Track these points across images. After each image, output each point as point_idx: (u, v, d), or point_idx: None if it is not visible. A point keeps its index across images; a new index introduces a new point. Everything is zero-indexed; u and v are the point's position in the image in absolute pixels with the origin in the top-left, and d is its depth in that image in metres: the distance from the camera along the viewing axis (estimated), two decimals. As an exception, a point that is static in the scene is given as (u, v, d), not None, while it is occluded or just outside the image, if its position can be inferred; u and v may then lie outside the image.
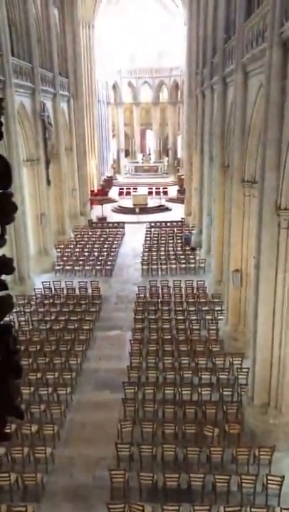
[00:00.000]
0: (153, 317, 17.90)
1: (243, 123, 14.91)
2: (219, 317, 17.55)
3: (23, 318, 17.79)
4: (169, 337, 16.12)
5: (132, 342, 15.73)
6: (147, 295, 20.00)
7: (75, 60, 31.98)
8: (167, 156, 57.62)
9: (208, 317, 17.73)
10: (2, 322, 1.59)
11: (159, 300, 19.56)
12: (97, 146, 44.62)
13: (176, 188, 45.28)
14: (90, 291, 20.51)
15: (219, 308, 18.14)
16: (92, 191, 40.48)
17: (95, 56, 42.77)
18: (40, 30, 25.26)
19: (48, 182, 24.72)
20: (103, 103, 50.20)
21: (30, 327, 17.28)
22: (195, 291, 20.16)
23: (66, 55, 30.58)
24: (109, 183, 48.71)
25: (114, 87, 56.37)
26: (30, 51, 22.39)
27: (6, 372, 1.58)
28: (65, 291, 20.50)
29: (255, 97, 13.66)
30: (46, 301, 19.55)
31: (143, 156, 57.27)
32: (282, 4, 10.07)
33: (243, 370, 13.39)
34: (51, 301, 19.69)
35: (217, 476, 9.76)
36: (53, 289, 20.70)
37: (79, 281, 21.28)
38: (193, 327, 16.79)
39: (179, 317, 17.72)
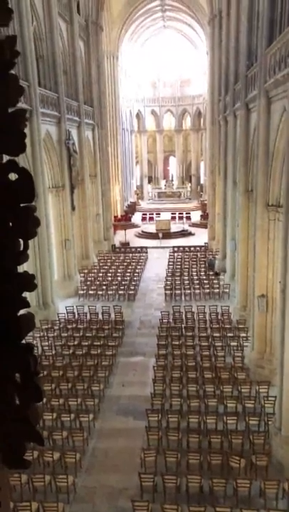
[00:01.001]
0: (177, 343, 17.63)
1: (266, 147, 14.89)
2: (245, 344, 17.16)
3: (47, 343, 17.78)
4: (193, 364, 15.81)
5: (155, 368, 15.48)
6: (171, 320, 19.79)
7: (99, 90, 32.79)
8: (190, 181, 57.97)
9: (233, 343, 17.36)
10: (23, 342, 1.53)
11: (183, 326, 19.31)
12: (121, 172, 45.30)
13: (199, 213, 45.33)
14: (112, 316, 20.43)
15: (244, 334, 17.76)
16: (115, 217, 40.89)
17: (119, 85, 43.85)
18: (66, 62, 26.09)
19: (73, 208, 25.08)
20: (127, 131, 51.15)
21: (53, 352, 17.23)
22: (219, 317, 19.85)
23: (91, 85, 31.39)
24: (132, 208, 49.15)
25: (138, 115, 57.48)
26: (56, 82, 23.07)
27: (25, 394, 1.52)
28: (88, 316, 20.48)
29: (278, 122, 13.66)
30: (69, 326, 19.54)
31: (166, 182, 57.79)
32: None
33: (270, 398, 12.96)
34: (74, 326, 19.67)
35: (244, 510, 9.34)
36: (76, 313, 20.71)
37: (102, 306, 21.25)
38: (218, 354, 16.45)
39: (203, 343, 17.42)
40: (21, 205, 1.43)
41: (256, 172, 15.70)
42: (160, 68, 56.45)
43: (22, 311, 1.51)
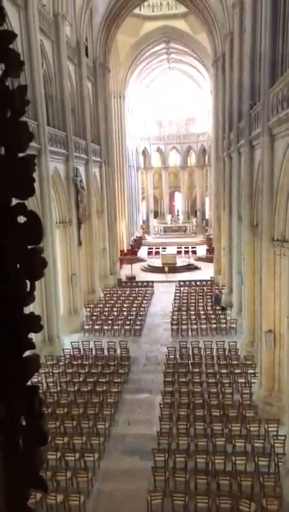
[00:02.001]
0: (183, 380, 17.33)
1: (271, 183, 15.08)
2: (252, 380, 16.83)
3: (51, 380, 17.53)
4: (201, 401, 15.48)
5: (161, 406, 15.16)
6: (177, 356, 19.51)
7: (106, 129, 33.63)
8: (195, 216, 58.46)
9: (240, 380, 17.03)
10: (28, 383, 1.52)
11: (190, 362, 19.02)
12: (128, 207, 45.87)
13: (205, 247, 45.48)
14: (118, 351, 20.20)
15: (252, 370, 17.44)
16: (122, 251, 41.11)
17: (125, 124, 44.98)
18: (74, 102, 26.89)
19: (80, 243, 25.28)
20: (133, 168, 52.10)
21: (58, 388, 16.98)
22: (227, 353, 19.56)
23: (98, 124, 32.22)
24: (138, 243, 49.45)
25: (144, 152, 58.66)
26: (64, 121, 23.72)
27: (29, 438, 1.50)
28: (93, 352, 20.27)
29: (282, 158, 13.89)
30: (75, 362, 19.31)
31: (172, 216, 58.34)
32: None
33: (280, 438, 12.60)
34: (80, 361, 19.44)
35: None
36: (81, 349, 20.50)
37: (108, 342, 21.04)
38: (226, 391, 16.12)
39: (210, 380, 17.10)
40: (29, 247, 1.45)
41: (261, 207, 15.85)
42: (165, 107, 58.04)
43: (28, 352, 1.52)
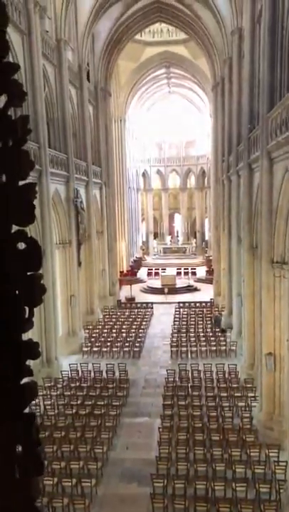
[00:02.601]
0: (183, 403, 17.11)
1: (270, 205, 15.17)
2: (253, 404, 16.61)
3: (49, 402, 17.32)
4: (200, 425, 15.25)
5: (160, 430, 14.93)
6: (176, 379, 19.31)
7: (107, 151, 34.01)
8: (195, 237, 58.64)
9: (240, 404, 16.81)
10: (26, 411, 1.51)
11: (189, 385, 18.81)
12: (127, 228, 46.05)
13: (205, 268, 45.48)
14: (117, 374, 19.99)
15: (252, 394, 17.24)
16: (121, 272, 41.07)
17: (125, 147, 45.53)
18: (75, 125, 27.28)
19: (79, 264, 25.29)
20: (133, 189, 52.52)
21: (56, 411, 16.75)
22: (226, 376, 19.37)
23: (99, 146, 32.61)
24: (138, 263, 49.47)
25: (144, 174, 59.22)
26: (66, 143, 24.01)
27: (26, 467, 1.48)
28: (92, 374, 20.06)
29: (281, 181, 14.02)
30: (73, 385, 19.10)
31: (171, 238, 58.53)
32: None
33: (281, 463, 12.37)
34: (78, 384, 19.23)
35: None
36: (80, 371, 20.30)
37: (106, 364, 20.84)
38: (226, 414, 15.90)
39: (210, 403, 16.89)
40: (28, 273, 1.46)
41: (260, 229, 15.91)
42: (165, 130, 58.84)
43: (25, 380, 1.50)
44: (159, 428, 15.14)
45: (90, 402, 17.29)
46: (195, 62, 41.17)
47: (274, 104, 15.06)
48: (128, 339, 24.91)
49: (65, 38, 23.75)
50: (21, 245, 1.48)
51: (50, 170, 20.56)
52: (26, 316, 1.48)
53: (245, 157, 19.66)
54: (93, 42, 31.37)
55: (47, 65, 22.04)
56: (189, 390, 18.29)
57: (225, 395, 17.54)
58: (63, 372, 19.88)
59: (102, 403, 17.20)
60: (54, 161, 21.95)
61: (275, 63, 15.44)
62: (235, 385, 18.41)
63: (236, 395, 17.50)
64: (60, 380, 19.30)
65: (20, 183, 1.42)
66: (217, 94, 31.93)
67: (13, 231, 1.44)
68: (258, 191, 16.81)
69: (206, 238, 55.76)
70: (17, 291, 1.46)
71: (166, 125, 58.38)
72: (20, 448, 1.52)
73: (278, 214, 14.56)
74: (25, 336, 1.55)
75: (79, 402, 17.41)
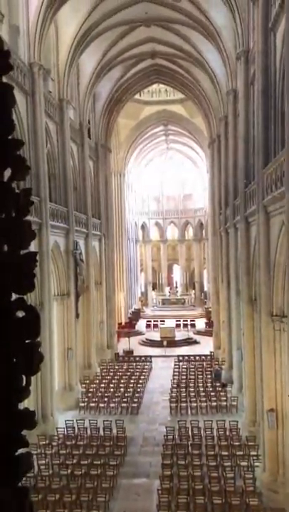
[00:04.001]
0: (183, 462, 16.42)
1: (267, 258, 15.29)
2: (256, 463, 15.96)
3: (43, 462, 16.60)
4: (201, 487, 14.55)
5: (159, 492, 14.23)
6: (176, 437, 18.63)
7: (106, 204, 34.69)
8: (194, 289, 58.54)
9: (243, 463, 16.14)
10: (19, 484, 1.45)
11: (189, 443, 18.13)
12: (126, 279, 46.08)
13: (204, 320, 45.07)
14: (114, 431, 19.30)
15: (255, 452, 16.59)
16: (119, 324, 40.64)
17: (125, 199, 46.49)
18: (76, 180, 27.98)
19: (77, 315, 25.08)
20: (132, 241, 53.05)
21: (50, 472, 16.01)
22: (228, 433, 18.71)
23: (99, 199, 33.28)
24: (136, 315, 49.05)
25: (143, 226, 60.05)
26: (66, 197, 24.52)
27: None
28: (88, 431, 19.37)
29: (278, 234, 14.20)
30: (68, 443, 18.38)
31: (170, 289, 58.41)
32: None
33: (287, 530, 11.70)
34: (74, 442, 18.51)
35: None
36: (76, 428, 19.61)
37: (104, 420, 20.17)
38: (228, 475, 15.21)
39: (211, 463, 16.20)
40: (26, 341, 1.46)
41: (259, 282, 15.93)
42: (164, 184, 60.35)
43: (20, 451, 1.46)
44: (158, 490, 14.44)
45: (86, 462, 16.59)
46: (192, 120, 42.84)
47: (269, 161, 15.53)
48: (126, 394, 24.27)
49: (67, 97, 24.82)
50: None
51: (50, 222, 20.85)
52: (23, 384, 1.47)
53: (241, 210, 20.02)
54: (94, 101, 32.78)
55: (49, 123, 22.89)
56: (189, 448, 17.61)
57: (226, 453, 16.88)
58: (59, 430, 19.20)
59: (99, 462, 16.51)
60: (54, 213, 22.32)
61: (268, 122, 16.07)
62: (236, 443, 17.75)
63: (238, 453, 16.85)
64: (56, 437, 18.61)
65: (22, 252, 1.45)
66: (213, 151, 32.99)
67: (12, 299, 1.46)
68: (256, 244, 16.99)
69: (205, 289, 55.67)
70: (15, 359, 1.45)
71: (164, 179, 59.96)
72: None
73: (276, 267, 14.64)
74: (21, 404, 1.52)
75: (75, 461, 16.70)
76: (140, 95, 42.48)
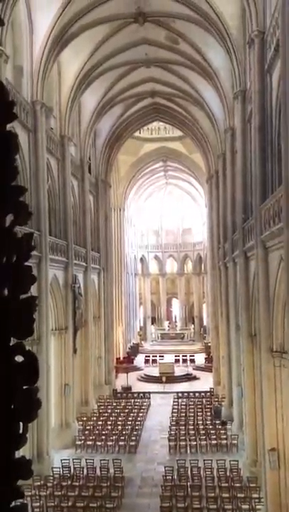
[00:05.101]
0: (182, 505, 15.84)
1: (267, 293, 15.24)
2: (258, 507, 15.40)
3: (37, 504, 16.01)
4: (201, 532, 14.00)
5: (158, 537, 13.68)
6: (175, 477, 18.04)
7: (106, 238, 34.89)
8: (193, 323, 58.13)
9: (244, 506, 15.57)
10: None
11: (189, 484, 17.54)
12: (125, 313, 45.78)
13: (204, 355, 44.50)
14: (112, 471, 18.71)
15: (256, 495, 16.02)
16: (117, 359, 40.08)
17: (124, 233, 46.79)
18: (76, 214, 28.22)
19: (75, 351, 24.76)
20: (131, 274, 53.04)
21: (45, 515, 15.44)
22: (228, 473, 18.13)
23: (98, 233, 33.49)
24: (135, 350, 48.46)
25: (142, 260, 60.21)
26: (66, 231, 24.67)
27: None
28: (85, 471, 18.76)
29: (277, 269, 14.21)
30: (64, 483, 17.76)
31: (169, 323, 57.99)
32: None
33: None
34: (70, 482, 17.90)
35: None
36: (72, 468, 19.00)
37: (100, 460, 19.54)
38: (229, 519, 14.67)
39: (211, 506, 15.62)
40: (25, 387, 1.43)
41: (258, 317, 15.83)
42: (163, 218, 60.97)
43: (16, 502, 1.41)
44: (156, 535, 13.88)
45: (81, 504, 16.00)
46: (190, 156, 43.66)
47: (266, 196, 15.73)
48: (124, 432, 23.66)
49: (68, 134, 25.37)
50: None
51: (49, 256, 20.90)
52: (20, 431, 1.43)
53: (240, 245, 20.11)
54: (95, 138, 33.49)
55: (50, 159, 23.30)
56: (189, 489, 17.02)
57: (227, 495, 16.30)
58: (54, 469, 18.60)
59: (96, 505, 15.93)
60: (54, 247, 22.40)
61: (265, 159, 16.38)
62: (237, 485, 17.17)
63: (239, 495, 16.28)
64: (51, 478, 18.00)
65: (22, 296, 1.45)
66: (212, 186, 33.46)
67: (11, 344, 1.45)
68: (255, 279, 16.98)
69: (205, 324, 55.25)
70: (12, 406, 1.42)
71: (163, 213, 60.60)
72: None
73: (275, 302, 14.58)
74: (17, 452, 1.49)
75: (70, 503, 16.11)
76: (140, 132, 43.44)
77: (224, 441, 22.20)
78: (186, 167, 46.60)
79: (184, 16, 22.22)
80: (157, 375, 37.52)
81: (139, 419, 26.17)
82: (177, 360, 42.00)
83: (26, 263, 1.47)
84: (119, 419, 25.92)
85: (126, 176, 46.25)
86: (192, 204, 57.43)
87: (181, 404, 28.73)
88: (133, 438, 23.13)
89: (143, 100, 34.04)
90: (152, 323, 59.97)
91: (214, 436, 22.64)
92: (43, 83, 20.81)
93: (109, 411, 27.74)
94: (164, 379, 35.72)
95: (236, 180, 22.18)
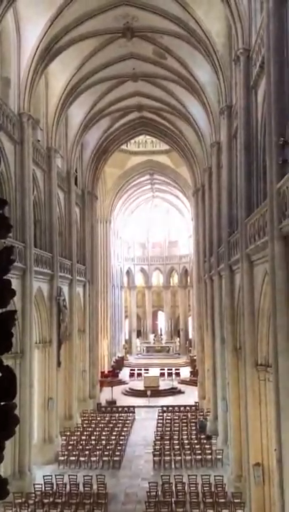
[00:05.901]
0: (166, 522, 15.63)
1: (252, 307, 15.29)
2: (242, 523, 15.26)
3: (18, 522, 15.65)
4: None
5: None
6: (159, 493, 17.81)
7: (92, 250, 34.76)
8: (179, 336, 58.00)
9: (229, 523, 15.43)
10: None
11: (173, 500, 17.32)
12: (110, 326, 45.50)
13: (189, 369, 44.34)
14: (95, 487, 18.40)
15: (241, 511, 15.89)
16: (102, 372, 39.71)
17: (110, 246, 46.73)
18: (62, 226, 28.09)
19: (59, 364, 24.44)
20: (117, 287, 52.84)
21: (26, 533, 15.07)
22: (213, 489, 17.95)
23: (84, 245, 33.37)
24: (120, 363, 48.10)
25: (128, 272, 60.10)
26: (51, 243, 24.51)
27: None
28: (68, 487, 18.41)
29: (261, 283, 14.28)
30: (46, 500, 17.40)
31: (155, 336, 57.77)
32: (280, 205, 11.30)
33: None
34: (52, 499, 17.53)
35: None
36: (54, 484, 18.63)
37: (84, 476, 19.22)
38: (213, 536, 14.48)
39: (195, 522, 15.45)
40: (2, 403, 1.39)
41: (243, 331, 15.85)
42: (149, 231, 61.11)
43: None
44: None
45: (64, 522, 15.67)
46: (177, 170, 43.98)
47: (251, 211, 15.85)
48: (108, 447, 23.34)
49: (55, 146, 25.35)
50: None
51: (34, 268, 20.70)
52: (-3, 450, 1.39)
53: (225, 259, 20.19)
54: (82, 150, 33.54)
55: (37, 171, 23.23)
56: (173, 506, 16.81)
57: (212, 511, 16.13)
58: (36, 486, 18.22)
59: (78, 523, 15.61)
60: (39, 259, 22.21)
61: (251, 174, 16.55)
62: (222, 500, 17.01)
63: (224, 511, 16.12)
64: (33, 495, 17.62)
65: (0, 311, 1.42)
66: (198, 199, 33.68)
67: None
68: (240, 292, 17.04)
69: (190, 337, 55.15)
70: (-12, 423, 1.38)
71: (149, 226, 60.77)
72: None
73: (260, 316, 14.63)
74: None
75: (52, 521, 15.77)
76: (127, 145, 43.67)
77: (209, 456, 22.04)
78: (172, 180, 46.91)
79: (172, 32, 22.55)
80: (142, 388, 37.22)
81: (123, 433, 25.86)
82: (162, 374, 41.78)
83: (5, 277, 1.45)
84: (103, 433, 25.59)
85: (113, 188, 46.36)
86: (179, 217, 57.71)
87: (166, 419, 28.51)
88: (117, 453, 22.84)
89: (130, 114, 34.28)
90: (138, 337, 59.69)
91: (199, 451, 22.48)
92: (31, 95, 20.83)
93: (93, 425, 27.38)
94: (148, 393, 35.43)
95: (222, 194, 22.35)
